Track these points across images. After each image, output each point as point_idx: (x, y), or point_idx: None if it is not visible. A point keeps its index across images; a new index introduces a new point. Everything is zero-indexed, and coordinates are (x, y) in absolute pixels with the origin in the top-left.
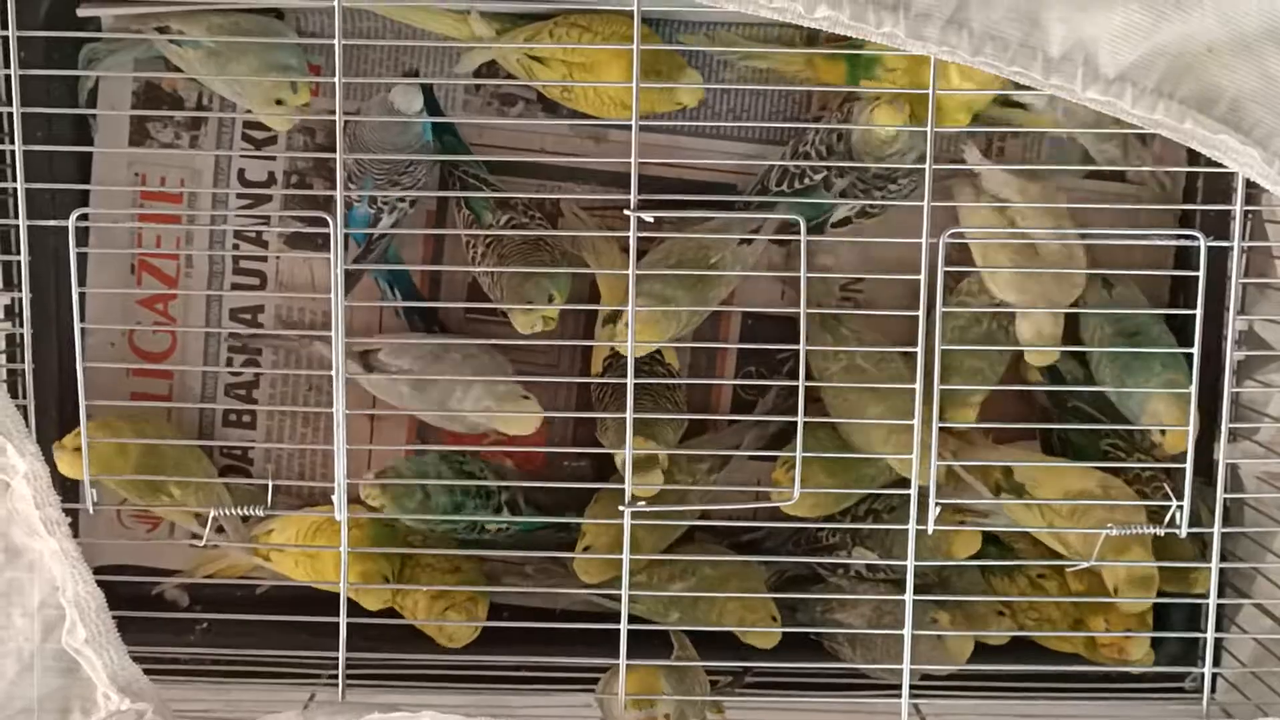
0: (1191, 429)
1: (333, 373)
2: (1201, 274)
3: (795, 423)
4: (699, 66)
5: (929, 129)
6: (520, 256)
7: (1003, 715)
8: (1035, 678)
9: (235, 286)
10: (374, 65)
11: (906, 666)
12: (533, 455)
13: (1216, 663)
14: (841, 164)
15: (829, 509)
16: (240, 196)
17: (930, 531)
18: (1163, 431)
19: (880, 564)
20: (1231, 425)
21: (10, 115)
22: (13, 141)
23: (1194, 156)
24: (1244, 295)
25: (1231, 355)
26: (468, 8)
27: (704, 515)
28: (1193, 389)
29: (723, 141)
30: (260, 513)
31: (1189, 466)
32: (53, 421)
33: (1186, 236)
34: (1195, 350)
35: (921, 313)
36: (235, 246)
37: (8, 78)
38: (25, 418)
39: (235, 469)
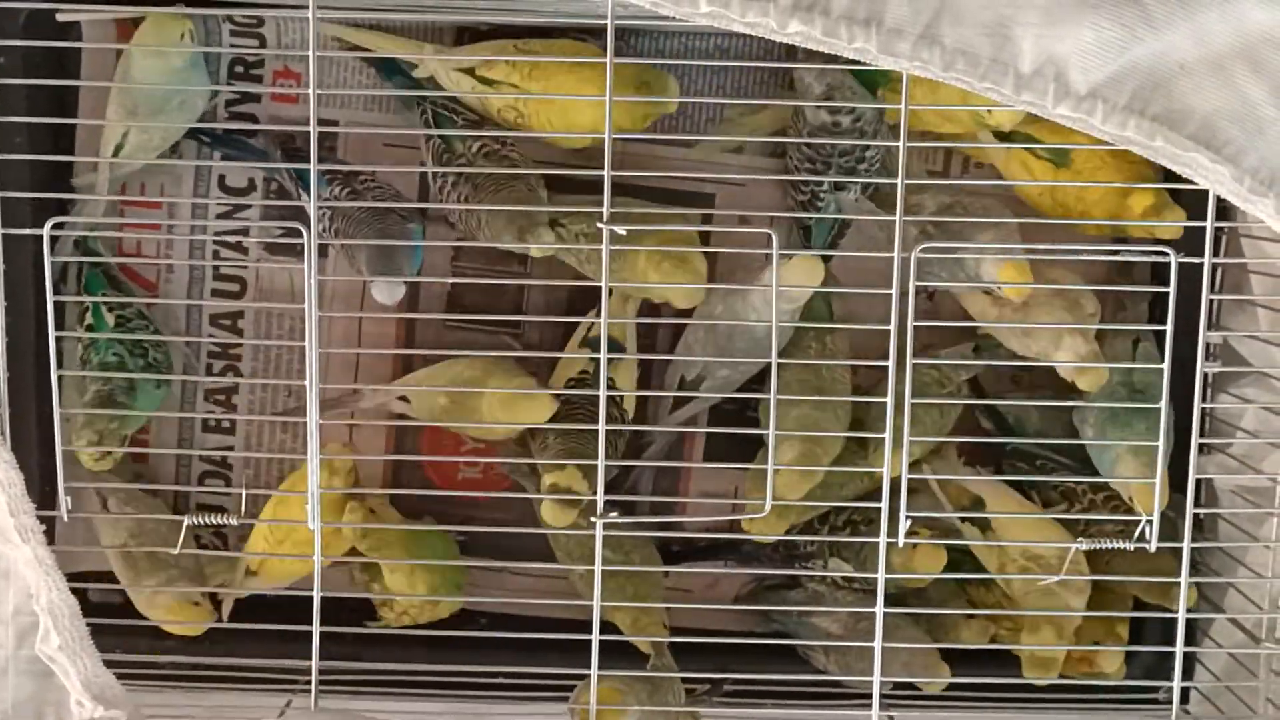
0: (1158, 486)
1: (306, 382)
2: (1172, 289)
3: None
4: (679, 76)
5: (901, 143)
6: (495, 185)
7: None
8: (1009, 689)
9: (215, 293)
10: (354, 73)
11: (877, 679)
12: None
13: (1190, 675)
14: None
15: (798, 519)
16: (220, 204)
17: (900, 544)
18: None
19: (854, 576)
20: (1205, 440)
21: None
22: None
23: (1170, 173)
24: (1220, 310)
25: (1202, 369)
26: (433, 19)
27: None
28: (1161, 443)
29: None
30: (234, 521)
31: (1158, 480)
32: (29, 429)
33: (1158, 253)
34: (1166, 366)
35: (893, 328)
36: (215, 254)
37: None
38: (0, 425)
39: (214, 475)
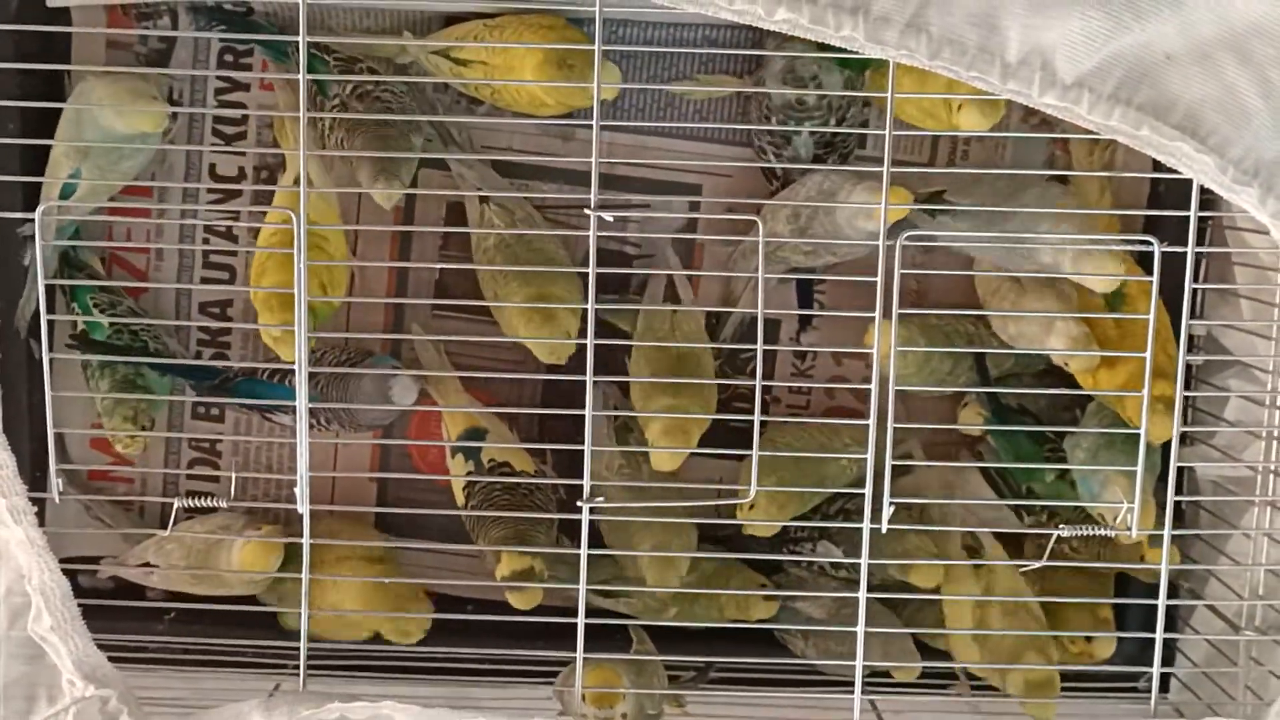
0: (1137, 506)
1: (295, 365)
2: (1155, 279)
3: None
4: (667, 67)
5: (887, 131)
6: (370, 127)
7: (959, 711)
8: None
9: (205, 281)
10: None
11: (859, 663)
12: None
13: (1171, 663)
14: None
15: (791, 512)
16: (210, 191)
17: (884, 530)
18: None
19: (843, 562)
20: (1187, 429)
21: None
22: None
23: (1157, 162)
24: (1204, 300)
25: (1184, 359)
26: (423, 7)
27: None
28: (1139, 469)
29: (689, 142)
30: (224, 504)
31: (1139, 468)
32: (20, 412)
33: (1142, 242)
34: (1147, 354)
35: (877, 314)
36: (205, 241)
37: None
38: None
39: (203, 461)
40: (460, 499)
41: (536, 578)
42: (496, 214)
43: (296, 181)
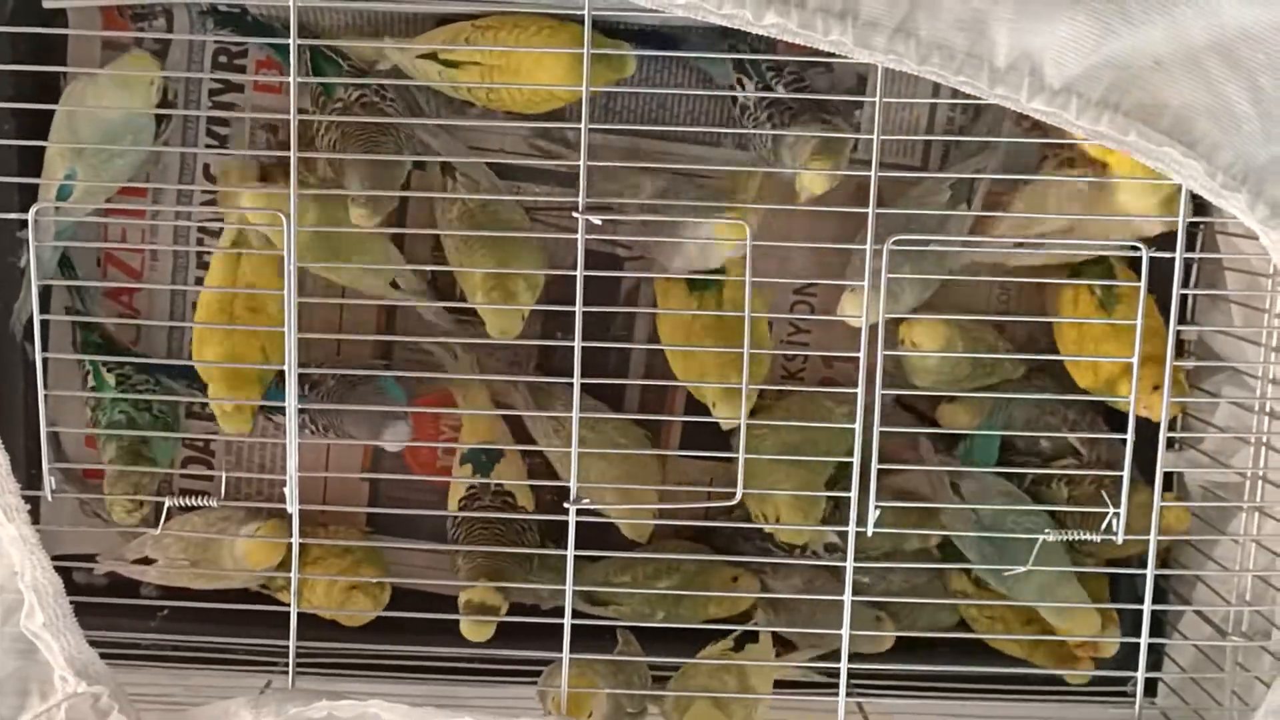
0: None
1: (286, 367)
2: (1143, 284)
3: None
4: (660, 69)
5: (875, 136)
6: (365, 138)
7: (944, 715)
8: (978, 679)
9: (199, 281)
10: None
11: (844, 666)
12: None
13: (1157, 668)
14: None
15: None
16: (205, 191)
17: (869, 534)
18: None
19: (831, 564)
20: (1176, 435)
21: None
22: None
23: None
24: (1194, 306)
25: (1172, 363)
26: (412, 9)
27: (660, 514)
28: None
29: (680, 144)
30: (214, 504)
31: (1126, 473)
32: (15, 410)
33: (1131, 248)
34: (1134, 360)
35: (864, 318)
36: (199, 241)
37: None
38: None
39: (197, 460)
40: (453, 504)
41: (495, 614)
42: (463, 184)
43: (234, 244)
